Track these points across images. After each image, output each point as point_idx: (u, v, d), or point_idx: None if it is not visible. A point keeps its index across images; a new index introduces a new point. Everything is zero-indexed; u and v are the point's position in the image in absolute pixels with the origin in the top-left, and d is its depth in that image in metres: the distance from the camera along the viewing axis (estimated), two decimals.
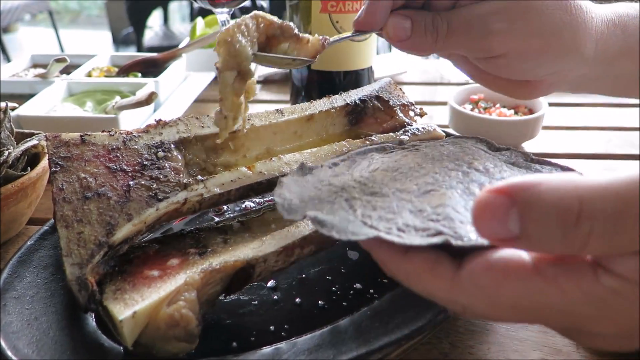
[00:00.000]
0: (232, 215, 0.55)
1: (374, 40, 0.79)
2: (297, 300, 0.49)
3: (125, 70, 0.89)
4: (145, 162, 0.48)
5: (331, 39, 0.52)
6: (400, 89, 0.66)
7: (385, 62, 1.10)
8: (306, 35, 0.50)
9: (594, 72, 0.53)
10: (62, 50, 3.53)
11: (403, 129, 0.61)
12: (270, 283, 0.51)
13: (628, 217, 0.24)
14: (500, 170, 0.41)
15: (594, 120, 0.89)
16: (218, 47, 0.45)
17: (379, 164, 0.45)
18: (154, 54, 0.93)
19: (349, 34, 0.53)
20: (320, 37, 0.51)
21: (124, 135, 0.50)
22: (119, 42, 3.85)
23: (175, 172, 0.49)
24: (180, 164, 0.50)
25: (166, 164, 0.49)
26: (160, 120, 0.53)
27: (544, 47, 0.49)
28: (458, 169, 0.41)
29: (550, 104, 0.92)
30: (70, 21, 5.49)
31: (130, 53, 0.97)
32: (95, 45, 4.41)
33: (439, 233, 0.31)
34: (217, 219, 0.53)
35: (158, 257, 0.46)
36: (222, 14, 0.73)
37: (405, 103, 0.65)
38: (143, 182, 0.47)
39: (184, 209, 0.48)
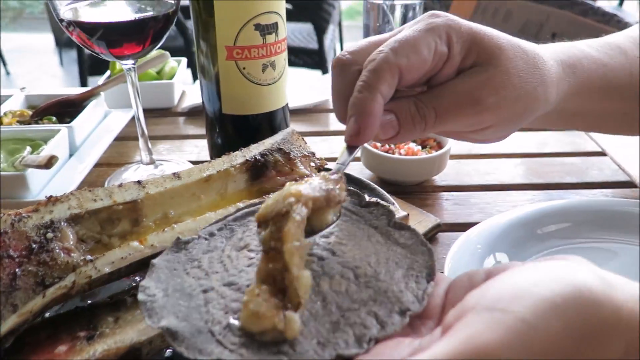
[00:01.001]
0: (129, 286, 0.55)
1: (285, 80, 0.81)
2: None
3: (39, 113, 0.88)
4: (34, 246, 0.49)
5: (340, 169, 0.47)
6: (303, 138, 0.68)
7: (303, 92, 1.11)
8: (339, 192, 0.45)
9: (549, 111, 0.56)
10: (1, 56, 3.41)
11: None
12: (168, 353, 0.52)
13: None
14: (349, 247, 0.43)
15: (499, 145, 0.92)
16: (288, 258, 0.36)
17: (248, 239, 0.46)
18: (70, 94, 0.92)
19: (346, 155, 0.48)
20: (336, 176, 0.45)
21: (13, 217, 0.50)
22: (63, 44, 3.75)
23: (65, 253, 0.50)
24: (71, 242, 0.51)
25: (55, 245, 0.50)
26: (51, 196, 0.53)
27: (526, 108, 0.51)
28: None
29: None
30: (12, 20, 5.29)
31: (47, 92, 0.95)
32: (38, 48, 4.27)
33: (280, 352, 0.33)
34: (110, 294, 0.53)
35: (48, 343, 0.47)
36: (126, 64, 0.73)
37: (307, 154, 0.67)
38: (30, 268, 0.48)
39: (73, 292, 0.48)
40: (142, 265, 0.52)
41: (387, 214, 0.47)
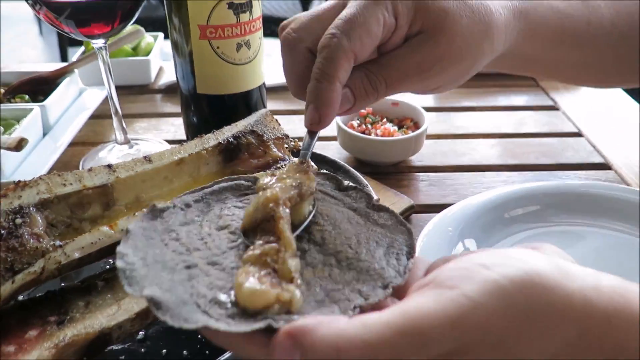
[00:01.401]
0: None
1: (261, 59, 0.80)
2: (164, 351, 0.52)
3: (11, 91, 0.87)
4: (2, 232, 0.49)
5: (306, 156, 0.48)
6: (277, 120, 0.68)
7: (281, 69, 1.09)
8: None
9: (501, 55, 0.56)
10: None
11: (275, 165, 0.63)
12: (140, 335, 0.53)
13: None
14: (333, 227, 0.43)
15: (477, 125, 0.93)
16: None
17: (229, 218, 0.45)
18: (43, 72, 0.90)
19: (309, 140, 0.49)
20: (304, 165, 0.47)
21: None
22: None
23: (34, 238, 0.50)
24: (41, 228, 0.51)
25: (25, 231, 0.49)
26: (19, 181, 0.53)
27: (472, 65, 0.52)
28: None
29: (436, 109, 0.96)
30: None
31: (20, 69, 0.94)
32: (17, 18, 4.16)
33: (267, 318, 0.33)
34: (81, 279, 0.53)
35: (18, 328, 0.47)
36: (97, 43, 0.71)
37: (280, 136, 0.66)
38: None
39: (43, 277, 0.49)
40: (113, 250, 0.52)
41: (366, 197, 0.47)
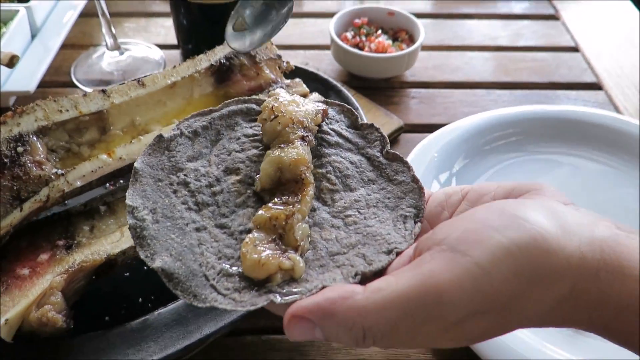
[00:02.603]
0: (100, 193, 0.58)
1: None
2: None
3: None
4: (6, 160, 0.51)
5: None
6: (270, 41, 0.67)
7: None
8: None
9: None
10: None
11: (268, 88, 0.64)
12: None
13: (396, 333, 0.32)
14: (344, 194, 0.43)
15: (473, 35, 0.92)
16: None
17: (238, 158, 0.44)
18: None
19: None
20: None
21: None
22: None
23: (37, 166, 0.52)
24: (42, 155, 0.53)
25: (27, 159, 0.52)
26: (16, 108, 0.54)
27: None
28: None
29: (433, 15, 0.94)
30: None
31: None
32: None
33: (269, 291, 0.35)
34: (84, 201, 0.56)
35: (29, 251, 0.51)
36: None
37: (273, 57, 0.66)
38: (5, 183, 0.50)
39: (48, 204, 0.52)
40: (112, 177, 0.55)
41: (381, 139, 0.47)
